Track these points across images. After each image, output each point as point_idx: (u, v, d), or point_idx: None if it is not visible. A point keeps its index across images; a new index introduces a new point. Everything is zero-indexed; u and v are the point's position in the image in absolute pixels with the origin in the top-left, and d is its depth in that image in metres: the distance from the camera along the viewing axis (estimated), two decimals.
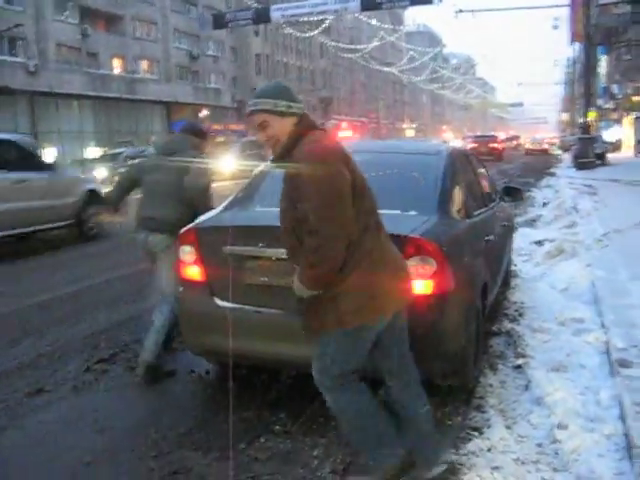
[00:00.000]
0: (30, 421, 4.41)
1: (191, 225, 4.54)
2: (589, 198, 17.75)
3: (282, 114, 3.15)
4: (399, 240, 3.85)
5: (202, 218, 4.68)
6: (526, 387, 4.77)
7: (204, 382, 5.06)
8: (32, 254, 11.14)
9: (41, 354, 5.75)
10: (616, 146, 51.05)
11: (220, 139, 55.75)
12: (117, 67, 47.25)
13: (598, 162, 32.56)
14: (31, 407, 4.64)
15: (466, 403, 4.50)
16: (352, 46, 77.08)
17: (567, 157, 45.52)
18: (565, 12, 57.52)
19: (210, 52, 58.25)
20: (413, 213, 4.35)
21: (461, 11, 42.78)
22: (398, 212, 4.31)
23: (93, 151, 45.10)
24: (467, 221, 4.82)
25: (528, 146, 65.27)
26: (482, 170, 6.44)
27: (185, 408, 4.56)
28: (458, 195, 4.82)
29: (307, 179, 3.02)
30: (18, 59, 38.39)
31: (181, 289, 4.55)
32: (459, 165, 5.28)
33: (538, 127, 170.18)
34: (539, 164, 39.77)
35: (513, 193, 6.89)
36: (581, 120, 35.41)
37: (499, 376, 4.99)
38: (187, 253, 4.41)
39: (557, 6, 43.32)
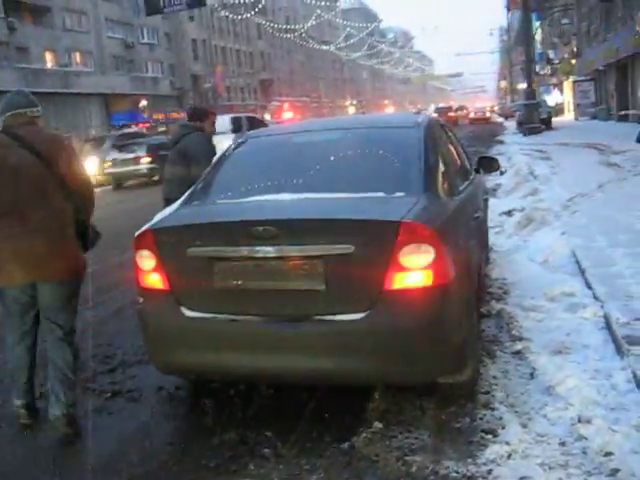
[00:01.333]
0: None
1: (147, 226, 3.92)
2: (544, 163, 17.68)
3: None
4: (389, 227, 3.36)
5: (158, 217, 4.09)
6: (531, 375, 4.35)
7: (175, 400, 4.45)
8: None
9: None
10: (558, 110, 51.66)
11: (162, 128, 54.82)
12: (49, 61, 45.38)
13: (543, 127, 32.78)
14: None
15: (471, 399, 4.04)
16: (289, 26, 76.13)
17: (511, 124, 45.81)
18: None
19: (145, 40, 56.53)
20: (399, 195, 3.83)
21: None
22: (382, 195, 3.81)
23: None
24: (456, 199, 4.34)
25: (472, 115, 65.78)
26: (456, 140, 5.97)
27: (156, 436, 3.95)
28: (443, 171, 4.33)
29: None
30: None
31: (141, 300, 3.95)
32: (438, 137, 4.79)
33: (477, 96, 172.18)
34: (485, 132, 39.78)
35: (488, 164, 6.43)
36: (521, 86, 35.51)
37: (499, 365, 4.55)
38: (145, 258, 3.81)
39: None
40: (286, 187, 4.01)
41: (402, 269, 3.38)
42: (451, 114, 62.73)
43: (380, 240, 3.38)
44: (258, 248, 3.44)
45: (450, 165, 4.72)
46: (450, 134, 5.65)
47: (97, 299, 7.31)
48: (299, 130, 5.34)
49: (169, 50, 60.93)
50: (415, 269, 3.38)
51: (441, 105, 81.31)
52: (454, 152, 5.35)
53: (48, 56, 45.24)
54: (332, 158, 4.31)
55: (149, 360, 4.14)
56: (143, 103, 50.24)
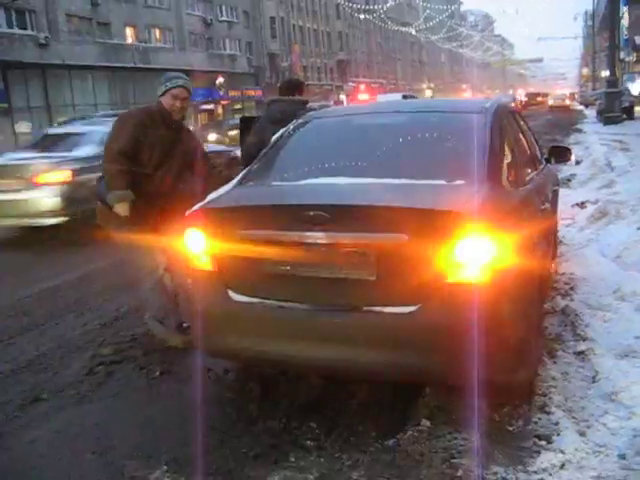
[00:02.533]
0: (19, 441, 3.81)
1: (200, 205, 3.85)
2: (622, 154, 16.97)
3: None
4: (446, 217, 3.18)
5: (212, 196, 4.01)
6: (593, 379, 4.10)
7: (223, 384, 4.41)
8: (31, 239, 10.48)
9: (41, 353, 5.16)
10: None
11: (237, 105, 55.18)
12: (130, 36, 46.14)
13: (624, 116, 31.49)
14: (22, 422, 4.04)
15: (527, 401, 3.83)
16: (368, 7, 75.39)
17: (590, 112, 44.31)
18: None
19: (224, 18, 56.83)
20: (460, 183, 3.63)
21: None
22: (442, 182, 3.62)
23: None
24: (521, 190, 4.10)
25: (551, 102, 64.46)
26: (526, 128, 5.69)
27: (203, 419, 3.88)
28: (509, 160, 4.10)
29: None
30: (28, 32, 37.47)
31: (189, 281, 3.89)
32: (507, 124, 4.55)
33: (557, 83, 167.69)
34: (563, 120, 38.54)
35: (560, 154, 6.12)
36: (604, 74, 34.11)
37: (560, 365, 4.31)
38: (195, 238, 3.73)
39: None
40: (344, 170, 3.87)
41: (458, 263, 3.20)
42: (539, 98, 77.03)
43: (436, 231, 3.20)
44: (309, 233, 3.31)
45: (517, 154, 4.48)
46: (521, 121, 5.39)
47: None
48: (362, 112, 5.17)
49: (247, 28, 61.12)
50: (471, 263, 3.20)
51: (531, 90, 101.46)
52: (523, 140, 5.09)
53: (128, 32, 45.99)
54: (393, 142, 4.15)
55: (196, 343, 4.08)
56: (220, 80, 50.61)
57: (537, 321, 3.98)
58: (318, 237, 3.31)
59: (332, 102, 35.77)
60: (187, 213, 3.82)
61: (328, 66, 77.75)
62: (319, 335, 3.38)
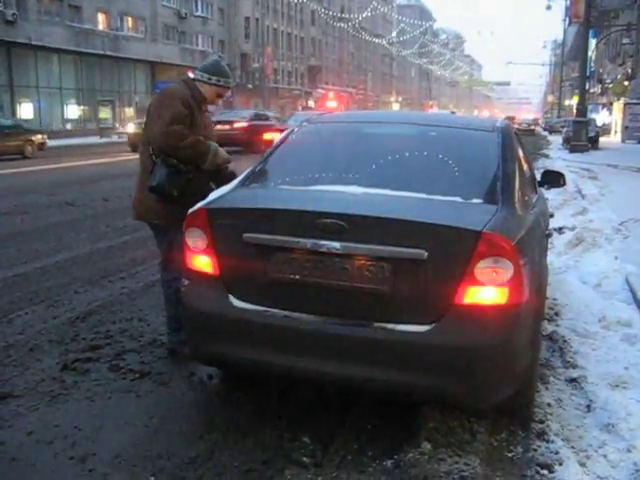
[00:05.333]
0: None
1: (202, 204, 3.66)
2: (591, 183, 17.25)
3: None
4: (469, 236, 3.07)
5: (214, 195, 3.83)
6: (588, 408, 4.05)
7: (207, 390, 4.20)
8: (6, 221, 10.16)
9: (9, 345, 4.88)
10: (605, 131, 50.69)
11: None
12: (101, 23, 45.35)
13: (590, 146, 32.16)
14: None
15: (524, 427, 3.74)
16: (344, 15, 75.61)
17: (555, 139, 45.04)
18: None
19: (199, 13, 56.45)
20: (477, 202, 3.53)
21: None
22: (459, 199, 3.51)
23: (73, 109, 43.56)
24: (531, 212, 4.02)
25: (517, 126, 65.59)
26: (525, 150, 5.63)
27: (185, 427, 3.69)
28: (519, 181, 4.01)
29: None
30: None
31: (187, 282, 3.69)
32: (515, 144, 4.48)
33: (521, 107, 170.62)
34: (529, 145, 38.97)
35: (553, 178, 6.08)
36: (568, 102, 34.70)
37: (553, 392, 4.26)
38: (196, 238, 3.54)
39: None
40: (356, 180, 3.71)
41: (477, 283, 3.08)
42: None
43: (457, 249, 3.09)
44: (323, 242, 3.16)
45: (524, 176, 4.41)
46: (521, 143, 5.33)
47: (130, 270, 7.17)
48: (371, 120, 5.03)
49: (221, 25, 60.81)
50: (490, 285, 3.09)
51: (496, 112, 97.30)
52: (525, 162, 5.03)
53: (100, 17, 45.24)
54: (406, 154, 4.02)
55: (188, 347, 3.87)
56: (189, 75, 50.11)
57: (540, 346, 3.90)
58: (333, 247, 3.16)
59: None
60: (189, 211, 3.64)
61: (299, 71, 77.78)
62: (325, 348, 3.22)
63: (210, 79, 4.66)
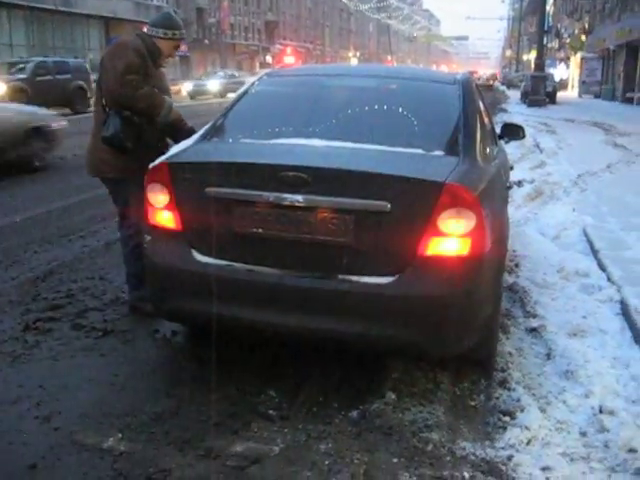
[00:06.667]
0: None
1: (163, 159, 3.59)
2: (549, 137, 17.44)
3: None
4: (432, 187, 3.09)
5: (175, 150, 3.77)
6: (548, 356, 4.16)
7: (171, 346, 4.19)
8: None
9: None
10: (562, 85, 51.17)
11: None
12: None
13: (548, 100, 32.47)
14: None
15: (486, 376, 3.82)
16: None
17: (513, 93, 45.29)
18: None
19: None
20: (438, 153, 3.54)
21: None
22: (420, 151, 3.51)
23: None
24: (492, 164, 4.05)
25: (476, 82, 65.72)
26: (485, 103, 5.64)
27: (151, 383, 3.69)
28: (480, 134, 4.03)
29: None
30: None
31: (149, 238, 3.64)
32: (476, 97, 4.48)
33: (480, 62, 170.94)
34: (488, 100, 39.11)
35: (513, 131, 6.12)
36: (527, 57, 34.93)
37: (514, 341, 4.35)
38: (157, 194, 3.49)
39: None
40: (317, 133, 3.68)
41: (439, 234, 3.10)
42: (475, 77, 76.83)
43: (419, 200, 3.10)
44: (286, 195, 3.14)
45: (485, 128, 4.43)
46: (481, 96, 5.34)
47: (90, 229, 7.07)
48: (332, 73, 4.97)
49: None
50: (453, 235, 3.11)
51: (454, 67, 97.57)
52: (485, 115, 5.04)
53: None
54: (367, 106, 4.00)
55: (151, 304, 3.84)
56: (144, 30, 48.95)
57: (501, 296, 3.96)
58: (296, 199, 3.14)
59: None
60: (150, 166, 3.57)
61: (256, 26, 76.50)
62: (290, 301, 3.23)
63: (166, 34, 4.58)
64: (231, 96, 28.73)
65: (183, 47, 56.56)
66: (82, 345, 4.17)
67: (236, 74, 45.60)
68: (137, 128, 4.36)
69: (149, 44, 4.53)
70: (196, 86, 40.83)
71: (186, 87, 41.31)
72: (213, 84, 41.17)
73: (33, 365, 3.90)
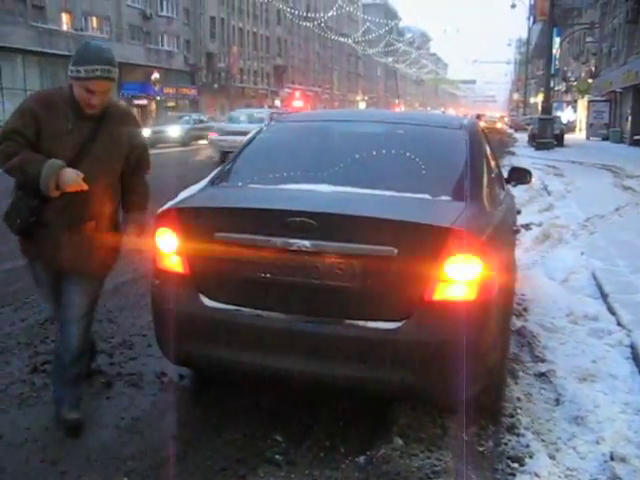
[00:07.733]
0: None
1: (171, 204, 3.64)
2: (557, 179, 17.49)
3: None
4: (438, 232, 3.10)
5: (183, 195, 3.82)
6: (557, 401, 4.11)
7: (178, 390, 4.19)
8: None
9: None
10: (570, 128, 51.46)
11: (171, 103, 54.40)
12: (65, 23, 44.69)
13: (555, 143, 32.60)
14: None
15: (494, 421, 3.79)
16: (309, 14, 75.68)
17: (521, 136, 45.55)
18: None
19: (164, 13, 55.89)
20: (445, 199, 3.57)
21: None
22: (427, 197, 3.54)
23: None
24: (499, 209, 4.07)
25: (483, 124, 66.22)
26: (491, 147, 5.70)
27: (157, 427, 3.68)
28: (487, 178, 4.06)
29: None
30: None
31: (157, 282, 3.67)
32: (483, 142, 4.52)
33: (487, 105, 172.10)
34: (495, 142, 39.36)
35: (521, 175, 6.16)
36: (534, 100, 35.28)
37: (522, 386, 4.31)
38: (166, 239, 3.52)
39: None
40: (325, 178, 3.72)
41: (445, 279, 3.12)
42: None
43: (426, 246, 3.12)
44: (293, 241, 3.17)
45: (491, 173, 4.46)
46: (488, 141, 5.39)
47: None
48: (339, 118, 5.04)
49: (186, 25, 60.30)
50: (459, 280, 3.12)
51: (461, 110, 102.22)
52: (492, 159, 5.09)
53: (64, 17, 44.52)
54: (375, 152, 4.05)
55: (159, 348, 3.84)
56: (155, 76, 49.79)
57: (509, 342, 3.95)
58: (303, 245, 3.17)
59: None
60: (158, 211, 3.62)
61: (265, 70, 77.55)
62: (297, 347, 3.23)
63: (72, 72, 3.44)
64: (201, 143, 26.74)
65: (191, 91, 57.44)
66: (90, 389, 4.17)
67: (204, 118, 40.24)
68: (29, 204, 3.48)
69: (66, 93, 3.56)
70: (155, 133, 34.30)
71: (145, 133, 39.87)
72: (174, 130, 35.66)
73: (40, 408, 3.89)
